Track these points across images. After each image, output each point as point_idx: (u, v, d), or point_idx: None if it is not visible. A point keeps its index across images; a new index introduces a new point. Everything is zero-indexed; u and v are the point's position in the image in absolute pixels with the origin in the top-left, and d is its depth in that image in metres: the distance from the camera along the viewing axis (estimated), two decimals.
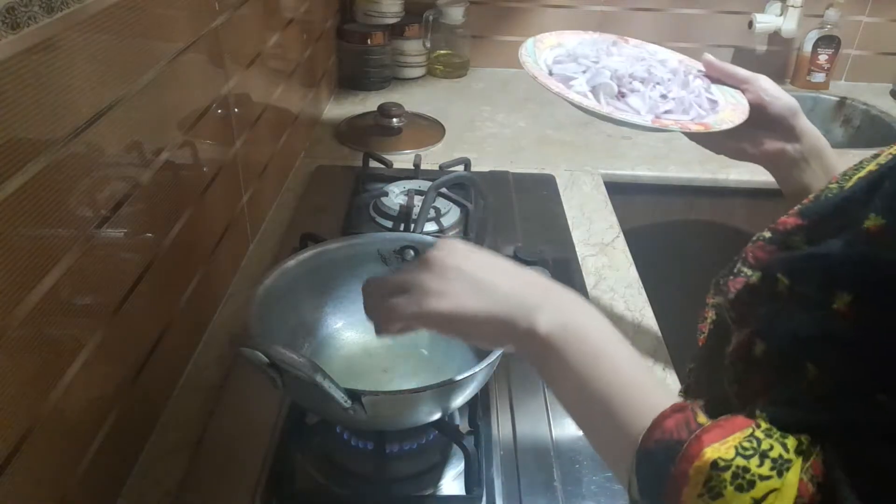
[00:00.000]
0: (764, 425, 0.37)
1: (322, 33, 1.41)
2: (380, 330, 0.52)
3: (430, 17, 1.59)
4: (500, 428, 0.71)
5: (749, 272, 0.48)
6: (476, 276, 0.48)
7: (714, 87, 0.74)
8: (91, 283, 0.57)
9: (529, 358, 0.47)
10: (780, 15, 1.59)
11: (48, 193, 0.50)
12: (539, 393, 0.75)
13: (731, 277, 0.49)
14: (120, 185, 0.62)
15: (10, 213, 0.46)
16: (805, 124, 0.70)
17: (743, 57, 1.71)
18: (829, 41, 1.63)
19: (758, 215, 1.31)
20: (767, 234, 0.50)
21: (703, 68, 0.77)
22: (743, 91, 0.72)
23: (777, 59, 1.72)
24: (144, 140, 0.66)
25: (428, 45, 1.62)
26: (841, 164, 0.68)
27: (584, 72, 0.71)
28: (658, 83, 0.72)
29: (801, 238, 0.46)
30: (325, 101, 1.48)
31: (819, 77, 1.67)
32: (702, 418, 0.38)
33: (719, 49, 1.70)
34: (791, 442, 0.36)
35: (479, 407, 0.70)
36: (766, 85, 0.71)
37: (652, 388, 0.43)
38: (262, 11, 1.01)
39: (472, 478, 0.62)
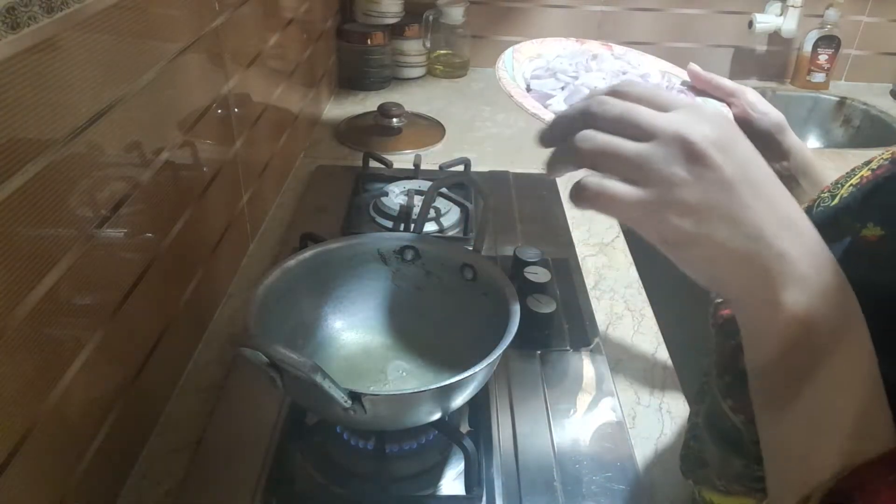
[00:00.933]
0: None
1: (322, 33, 1.41)
2: (579, 202, 0.37)
3: (430, 17, 1.59)
4: (500, 428, 0.71)
5: None
6: (756, 204, 0.34)
7: (698, 101, 0.72)
8: (91, 283, 0.57)
9: (756, 330, 0.36)
10: (780, 15, 1.59)
11: (48, 193, 0.50)
12: (539, 393, 0.75)
13: (722, 304, 0.48)
14: (120, 185, 0.62)
15: (10, 213, 0.46)
16: (792, 140, 0.67)
17: (743, 57, 1.71)
18: (829, 41, 1.63)
19: None
20: None
21: (688, 78, 0.75)
22: (729, 105, 0.70)
23: (777, 59, 1.72)
24: (144, 140, 0.66)
25: (428, 45, 1.62)
26: (829, 177, 0.68)
27: (562, 88, 0.69)
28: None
29: None
30: (325, 101, 1.48)
31: (819, 77, 1.67)
32: None
33: (719, 49, 1.70)
34: None
35: (479, 407, 0.70)
36: (752, 99, 0.68)
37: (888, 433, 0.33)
38: (262, 11, 1.01)
39: (472, 478, 0.62)
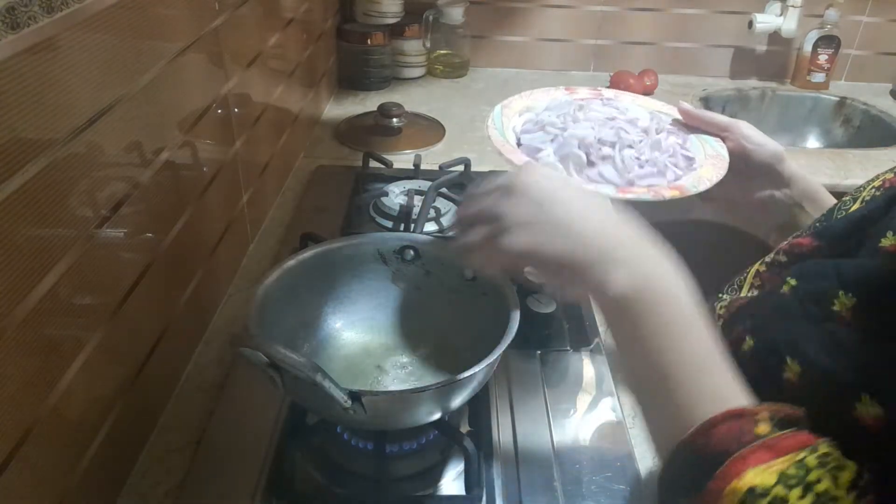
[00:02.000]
0: (823, 448, 0.33)
1: (322, 33, 1.41)
2: (463, 261, 0.53)
3: (430, 17, 1.59)
4: (500, 427, 0.71)
5: (749, 293, 0.48)
6: (562, 213, 0.47)
7: (692, 139, 0.70)
8: (91, 283, 0.57)
9: (602, 310, 0.46)
10: (780, 15, 1.59)
11: (48, 193, 0.50)
12: (539, 393, 0.75)
13: (728, 297, 0.49)
14: (120, 185, 0.62)
15: (10, 213, 0.46)
16: (792, 169, 0.68)
17: (743, 57, 1.71)
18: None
19: None
20: (783, 258, 0.49)
21: (679, 116, 0.73)
22: (724, 139, 0.68)
23: (777, 59, 1.72)
24: (144, 140, 0.66)
25: (428, 45, 1.62)
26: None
27: (552, 140, 0.69)
28: (629, 145, 0.68)
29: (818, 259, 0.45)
30: (325, 101, 1.48)
31: (819, 77, 1.67)
32: (762, 428, 0.35)
33: (719, 49, 1.70)
34: (846, 475, 0.32)
35: (479, 407, 0.70)
36: (747, 132, 0.67)
37: (722, 379, 0.40)
38: (262, 11, 1.01)
39: (472, 478, 0.62)
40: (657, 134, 0.69)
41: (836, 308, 0.39)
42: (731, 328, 0.47)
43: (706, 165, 0.67)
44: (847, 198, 0.49)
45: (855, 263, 0.40)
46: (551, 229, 0.46)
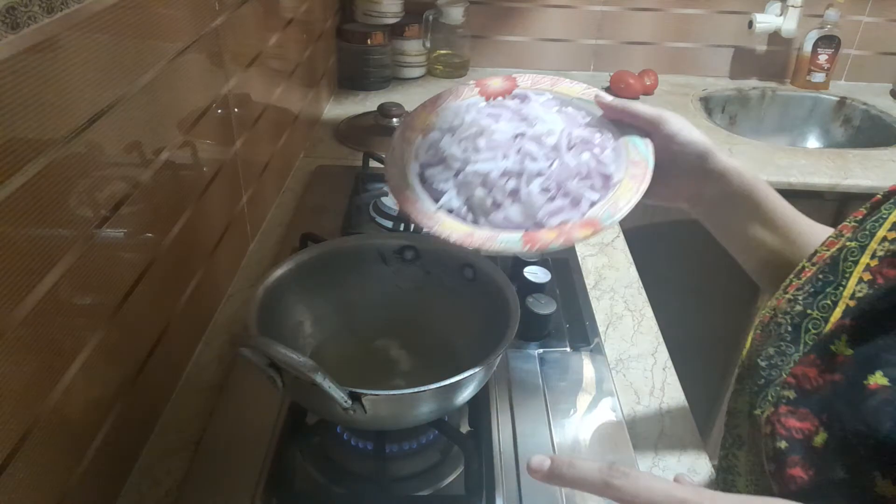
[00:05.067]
0: None
1: (322, 33, 1.41)
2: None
3: (430, 17, 1.59)
4: (500, 428, 0.71)
5: (790, 393, 0.44)
6: None
7: (610, 151, 0.61)
8: (91, 283, 0.57)
9: None
10: (780, 15, 1.59)
11: (48, 193, 0.50)
12: (539, 393, 0.75)
13: (773, 406, 0.44)
14: (120, 185, 0.62)
15: (10, 213, 0.46)
16: (725, 163, 0.62)
17: (743, 57, 1.71)
18: (829, 41, 1.63)
19: None
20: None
21: (605, 108, 0.65)
22: (650, 135, 0.62)
23: (777, 59, 1.72)
24: (144, 140, 0.66)
25: (428, 45, 1.62)
26: (774, 197, 0.62)
27: (455, 175, 0.60)
28: (538, 173, 0.58)
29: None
30: (325, 101, 1.48)
31: (819, 77, 1.67)
32: None
33: (719, 49, 1.70)
34: None
35: (479, 407, 0.70)
36: (675, 129, 0.62)
37: None
38: (262, 11, 1.01)
39: (472, 478, 0.62)
40: (569, 150, 0.60)
41: None
42: (799, 404, 0.43)
43: (626, 180, 0.59)
44: (854, 243, 0.47)
45: None
46: None
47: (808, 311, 0.47)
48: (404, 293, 0.74)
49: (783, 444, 0.41)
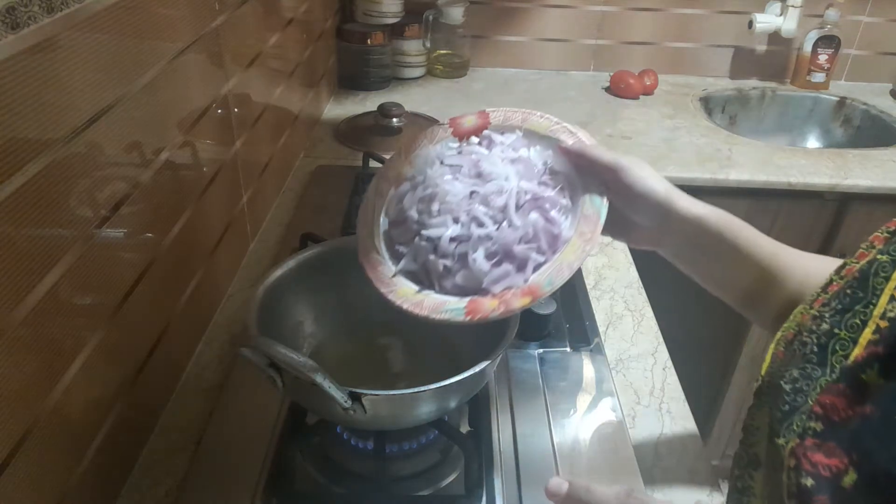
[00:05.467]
0: None
1: (322, 33, 1.41)
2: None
3: (430, 17, 1.59)
4: (500, 427, 0.71)
5: (815, 425, 0.41)
6: None
7: (560, 209, 0.60)
8: (91, 283, 0.57)
9: None
10: (780, 15, 1.59)
11: (48, 193, 0.50)
12: (539, 393, 0.75)
13: (798, 435, 0.42)
14: (120, 185, 0.62)
15: (10, 213, 0.46)
16: (685, 213, 0.59)
17: (743, 57, 1.71)
18: (829, 41, 1.63)
19: (758, 215, 1.32)
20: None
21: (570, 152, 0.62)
22: (607, 183, 0.60)
23: (777, 59, 1.72)
24: (144, 140, 0.66)
25: (428, 45, 1.62)
26: (751, 235, 0.59)
27: (413, 238, 0.61)
28: (488, 236, 0.58)
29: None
30: (325, 101, 1.48)
31: (819, 77, 1.67)
32: None
33: (719, 49, 1.70)
34: None
35: (479, 407, 0.70)
36: (631, 178, 0.58)
37: None
38: (262, 11, 1.01)
39: (472, 478, 0.62)
40: (517, 209, 0.59)
41: None
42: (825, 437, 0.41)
43: (574, 239, 0.59)
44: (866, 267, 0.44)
45: None
46: None
47: (836, 331, 0.44)
48: None
49: (809, 482, 0.39)
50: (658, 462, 0.69)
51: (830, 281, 0.49)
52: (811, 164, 1.31)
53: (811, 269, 0.57)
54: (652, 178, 0.60)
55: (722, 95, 1.68)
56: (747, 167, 1.29)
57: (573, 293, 0.91)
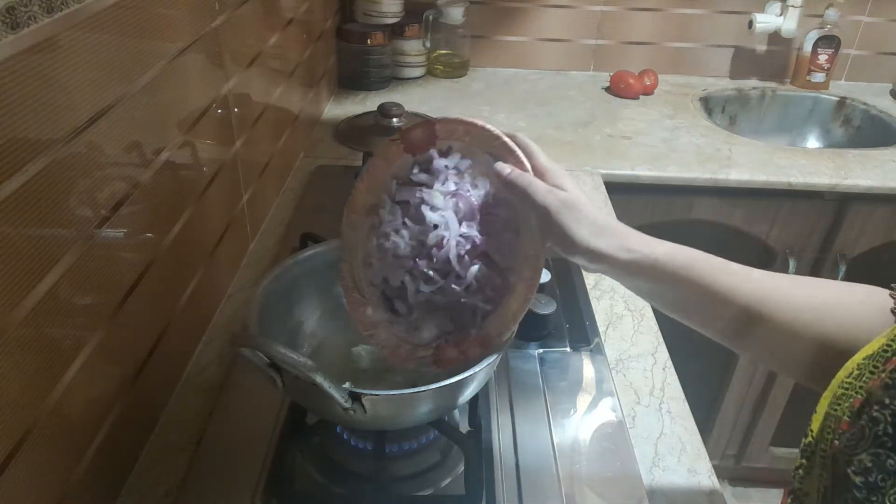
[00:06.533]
0: None
1: (322, 33, 1.41)
2: None
3: (430, 17, 1.59)
4: (500, 427, 0.71)
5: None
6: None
7: (503, 246, 0.60)
8: (91, 283, 0.57)
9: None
10: (780, 15, 1.59)
11: (48, 193, 0.50)
12: (539, 393, 0.75)
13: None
14: (120, 185, 0.62)
15: (10, 213, 0.46)
16: (629, 254, 0.55)
17: (743, 57, 1.71)
18: (829, 41, 1.63)
19: (758, 215, 1.32)
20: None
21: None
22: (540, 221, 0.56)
23: (777, 59, 1.72)
24: (144, 140, 0.66)
25: (428, 45, 1.62)
26: (724, 273, 0.54)
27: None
28: (439, 289, 0.60)
29: None
30: (325, 101, 1.48)
31: (819, 77, 1.67)
32: None
33: (719, 49, 1.70)
34: None
35: (479, 407, 0.70)
36: (562, 223, 0.54)
37: None
38: (262, 11, 1.01)
39: (472, 478, 0.62)
40: (459, 260, 0.59)
41: None
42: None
43: (518, 286, 0.59)
44: None
45: None
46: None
47: None
48: None
49: None
50: (658, 462, 0.69)
51: None
52: (811, 164, 1.31)
53: (798, 295, 0.52)
54: (590, 234, 0.54)
55: (722, 95, 1.68)
56: (747, 167, 1.29)
57: (573, 293, 0.91)
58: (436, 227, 0.60)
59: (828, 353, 0.49)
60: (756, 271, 0.55)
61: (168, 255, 0.71)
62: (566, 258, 0.57)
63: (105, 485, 0.62)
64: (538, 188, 0.56)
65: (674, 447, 0.71)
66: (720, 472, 1.66)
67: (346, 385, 0.53)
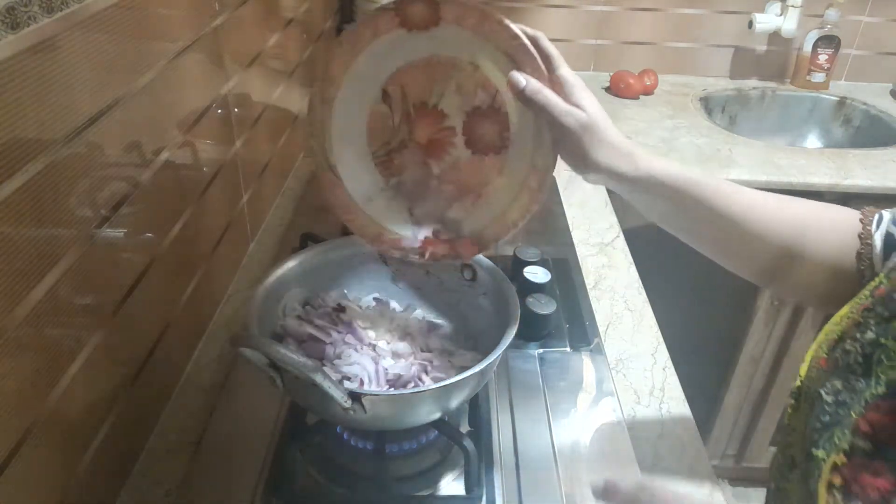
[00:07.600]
0: None
1: (322, 33, 1.41)
2: None
3: None
4: (500, 428, 0.71)
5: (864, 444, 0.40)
6: None
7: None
8: (91, 283, 0.57)
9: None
10: (780, 15, 1.59)
11: (48, 193, 0.50)
12: (539, 393, 0.75)
13: (841, 452, 0.40)
14: (120, 185, 0.62)
15: (10, 213, 0.46)
16: (651, 172, 0.57)
17: (743, 57, 1.71)
18: (829, 41, 1.63)
19: None
20: (881, 390, 0.40)
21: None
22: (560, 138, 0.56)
23: (777, 59, 1.72)
24: (144, 140, 0.66)
25: None
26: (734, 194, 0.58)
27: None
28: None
29: None
30: None
31: (819, 77, 1.67)
32: None
33: (719, 49, 1.70)
34: None
35: (479, 407, 0.70)
36: (590, 145, 0.55)
37: None
38: (262, 11, 1.01)
39: (472, 478, 0.62)
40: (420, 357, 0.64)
41: None
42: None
43: (522, 195, 0.59)
44: None
45: None
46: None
47: (882, 340, 0.41)
48: (404, 293, 0.74)
49: None
50: (658, 462, 0.69)
51: (878, 284, 0.45)
52: (811, 164, 1.31)
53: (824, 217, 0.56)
54: (600, 149, 0.55)
55: (722, 95, 1.68)
56: (747, 167, 1.29)
57: (573, 293, 0.91)
58: None
59: (793, 262, 0.56)
60: (746, 190, 0.59)
61: (168, 255, 0.71)
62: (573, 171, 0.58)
63: (105, 484, 0.62)
64: (557, 108, 0.54)
65: (674, 447, 0.71)
66: (720, 472, 1.66)
67: (347, 385, 0.53)
